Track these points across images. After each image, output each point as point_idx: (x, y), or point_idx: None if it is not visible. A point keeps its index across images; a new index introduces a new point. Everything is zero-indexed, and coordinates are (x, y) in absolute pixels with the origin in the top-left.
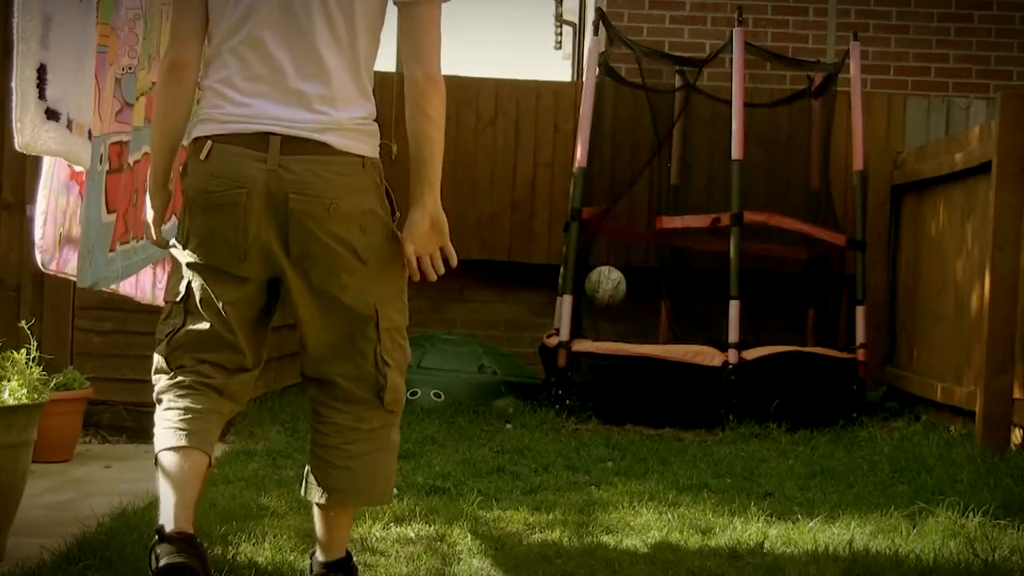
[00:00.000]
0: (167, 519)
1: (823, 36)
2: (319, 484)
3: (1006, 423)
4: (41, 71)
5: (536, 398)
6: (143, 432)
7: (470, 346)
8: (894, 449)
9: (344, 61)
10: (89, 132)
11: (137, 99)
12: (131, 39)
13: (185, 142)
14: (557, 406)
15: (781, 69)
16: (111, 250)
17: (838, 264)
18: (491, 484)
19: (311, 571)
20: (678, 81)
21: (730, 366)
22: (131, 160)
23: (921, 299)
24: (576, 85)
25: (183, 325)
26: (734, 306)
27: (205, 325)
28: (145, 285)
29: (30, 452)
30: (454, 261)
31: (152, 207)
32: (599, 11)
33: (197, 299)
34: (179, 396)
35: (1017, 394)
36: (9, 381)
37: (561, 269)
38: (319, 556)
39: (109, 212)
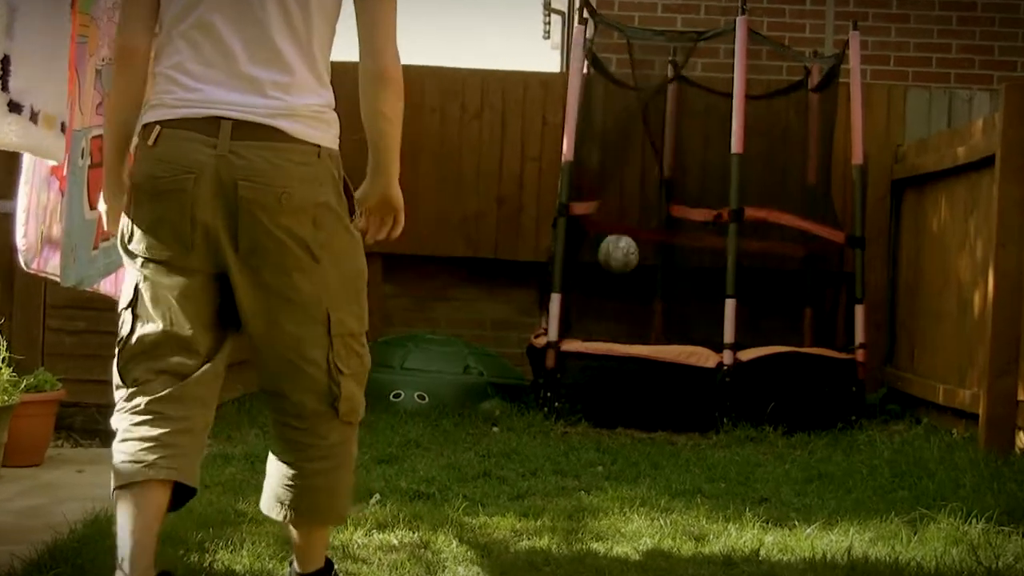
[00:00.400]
0: (126, 562)
1: (821, 25)
2: (277, 501)
3: (1010, 426)
4: (4, 62)
5: (524, 400)
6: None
7: (455, 346)
8: (894, 453)
9: (299, 47)
10: (62, 124)
11: None
12: (111, 29)
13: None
14: (545, 408)
15: (778, 59)
16: (94, 248)
17: (837, 261)
18: (477, 489)
19: None
20: (670, 72)
21: (725, 367)
22: None
23: (922, 298)
24: (565, 76)
25: (132, 331)
26: (730, 305)
27: (156, 327)
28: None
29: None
30: (397, 232)
31: (105, 200)
32: None
33: (147, 299)
34: (136, 425)
35: (1022, 396)
36: None
37: (549, 266)
38: (296, 567)
39: (92, 208)
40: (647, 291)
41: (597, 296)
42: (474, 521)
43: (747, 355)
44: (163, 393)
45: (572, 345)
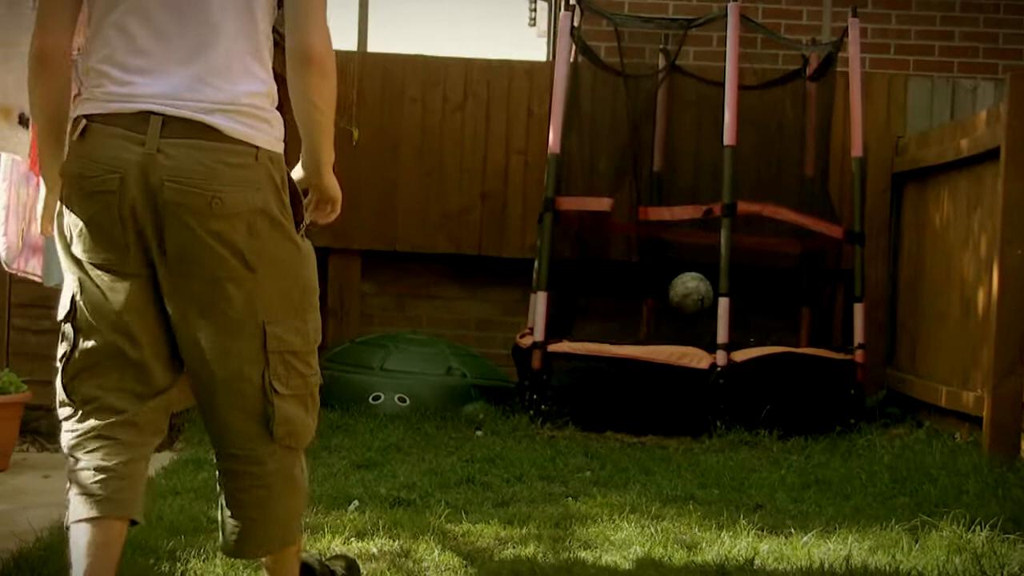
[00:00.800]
0: None
1: (818, 12)
2: (221, 535)
3: (1016, 430)
4: None
5: (509, 403)
6: None
7: (437, 347)
8: (894, 458)
9: (240, 30)
10: (22, 116)
11: None
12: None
13: None
14: (531, 412)
15: (774, 47)
16: None
17: (835, 258)
18: (460, 496)
19: None
20: (661, 61)
21: (718, 368)
22: None
23: (924, 296)
24: (551, 65)
25: (75, 345)
26: (723, 304)
27: (99, 341)
28: None
29: None
30: (331, 219)
31: (45, 203)
32: None
33: (87, 311)
34: (90, 452)
35: None
36: None
37: (535, 264)
38: None
39: None
40: (637, 289)
41: (585, 294)
42: (457, 529)
43: (741, 356)
44: (117, 418)
45: (559, 345)
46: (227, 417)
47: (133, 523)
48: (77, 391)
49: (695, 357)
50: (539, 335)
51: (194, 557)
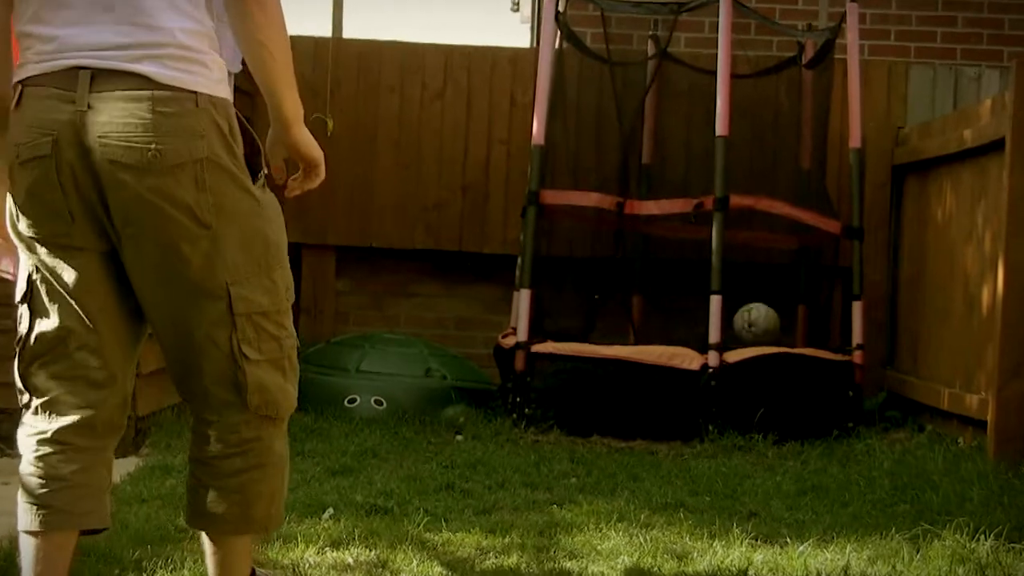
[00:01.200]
0: None
1: None
2: (188, 505)
3: (1021, 434)
4: None
5: (490, 406)
6: None
7: (416, 347)
8: (895, 463)
9: None
10: None
11: None
12: None
13: None
14: (514, 415)
15: (768, 34)
16: None
17: (832, 254)
18: (439, 503)
19: None
20: (651, 48)
21: (710, 370)
22: None
23: (925, 294)
24: (535, 52)
25: (31, 329)
26: (715, 302)
27: (54, 323)
28: None
29: None
30: (315, 183)
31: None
32: None
33: (42, 292)
34: (43, 458)
35: None
36: None
37: (519, 260)
38: None
39: None
40: (624, 286)
41: (570, 291)
42: (436, 538)
43: (734, 356)
44: (72, 419)
45: (543, 346)
46: (199, 384)
47: (100, 531)
48: (30, 381)
49: (686, 358)
50: (522, 335)
51: (160, 567)
